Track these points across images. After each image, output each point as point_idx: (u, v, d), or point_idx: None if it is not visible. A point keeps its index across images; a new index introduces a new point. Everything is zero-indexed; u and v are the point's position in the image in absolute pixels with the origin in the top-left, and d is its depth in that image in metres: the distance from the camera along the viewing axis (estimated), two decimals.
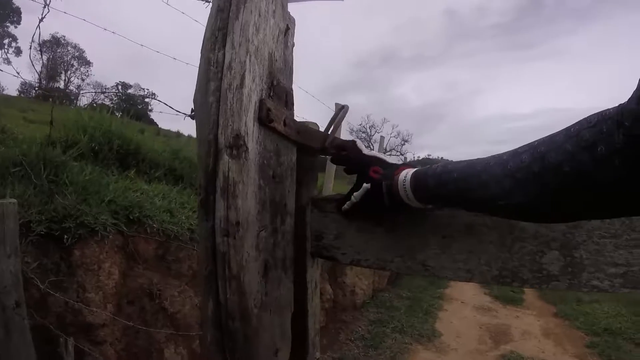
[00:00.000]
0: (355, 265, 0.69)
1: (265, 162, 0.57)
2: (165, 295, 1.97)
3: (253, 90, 0.53)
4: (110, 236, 1.82)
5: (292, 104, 0.65)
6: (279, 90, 0.59)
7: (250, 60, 0.52)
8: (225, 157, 0.51)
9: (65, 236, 1.64)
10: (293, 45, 0.66)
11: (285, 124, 0.59)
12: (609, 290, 0.51)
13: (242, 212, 0.52)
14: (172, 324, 1.98)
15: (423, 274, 0.62)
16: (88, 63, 37.61)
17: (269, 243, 0.59)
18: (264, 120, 0.54)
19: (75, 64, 36.99)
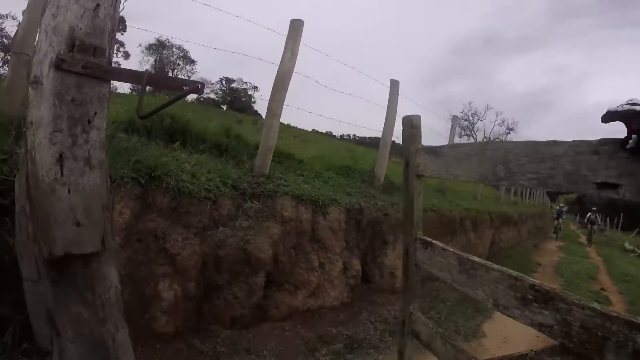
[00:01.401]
0: None
1: (62, 91, 0.97)
2: (169, 239, 2.52)
3: (49, 51, 0.96)
4: (128, 186, 2.42)
5: (103, 54, 1.03)
6: (83, 48, 0.99)
7: (47, 35, 0.95)
8: (30, 89, 0.92)
9: None
10: (111, 13, 1.04)
11: (85, 67, 0.98)
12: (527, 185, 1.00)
13: (35, 117, 0.93)
14: (171, 263, 2.51)
15: None
16: (193, 62, 41.13)
17: (66, 142, 0.99)
18: (59, 66, 0.94)
19: (180, 63, 41.50)
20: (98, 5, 1.01)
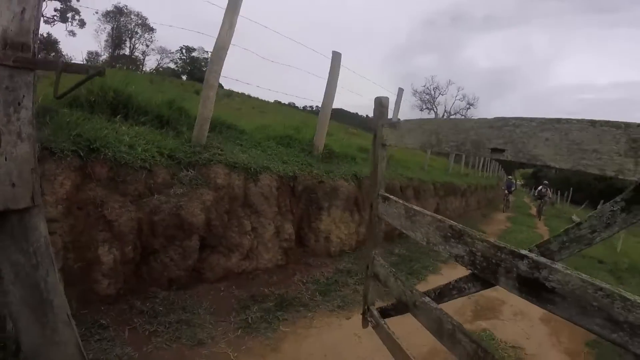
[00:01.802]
0: None
1: None
2: (107, 206, 2.76)
3: None
4: (68, 159, 2.63)
5: (28, 49, 1.29)
6: (13, 45, 1.24)
7: None
8: None
9: None
10: (35, 15, 1.28)
11: (15, 61, 1.23)
12: (449, 150, 1.38)
13: None
14: (110, 229, 2.77)
15: None
16: (151, 29, 39.67)
17: (2, 120, 1.25)
18: None
19: (139, 31, 39.59)
20: (24, 9, 1.24)
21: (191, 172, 3.24)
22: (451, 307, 3.90)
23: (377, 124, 2.35)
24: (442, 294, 1.68)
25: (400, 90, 7.38)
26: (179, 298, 3.00)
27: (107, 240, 2.75)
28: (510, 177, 21.02)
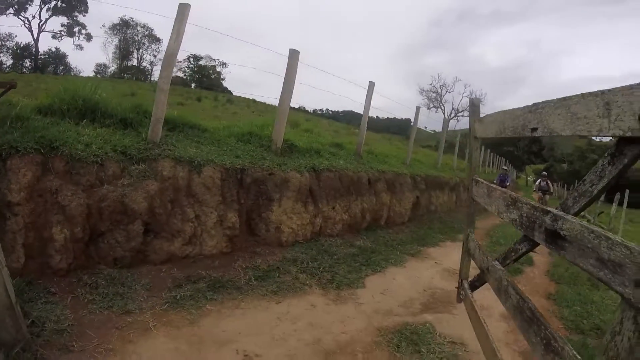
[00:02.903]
0: None
1: None
2: (61, 194, 3.39)
3: None
4: (31, 155, 3.30)
5: None
6: None
7: None
8: None
9: (2, 153, 3.17)
10: None
11: None
12: (510, 135, 1.99)
13: None
14: (63, 213, 3.39)
15: None
16: (158, 40, 42.52)
17: None
18: None
19: (146, 42, 42.22)
20: None
21: (141, 166, 3.80)
22: (398, 299, 4.01)
23: (471, 120, 2.91)
24: (505, 257, 2.13)
25: (371, 84, 7.42)
26: (121, 275, 3.52)
27: (60, 222, 3.37)
28: (505, 167, 16.56)
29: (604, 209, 15.79)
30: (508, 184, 13.54)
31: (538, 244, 1.64)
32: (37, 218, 3.32)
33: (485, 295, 4.47)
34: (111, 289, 3.34)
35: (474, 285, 2.84)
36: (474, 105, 2.95)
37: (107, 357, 2.59)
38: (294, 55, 5.40)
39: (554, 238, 1.35)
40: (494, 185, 2.31)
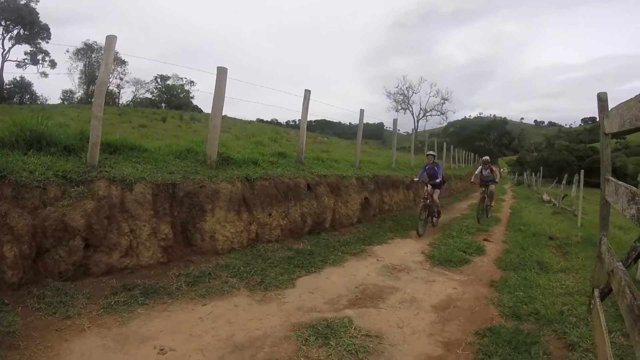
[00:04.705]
0: None
1: None
2: (9, 216, 4.12)
3: None
4: None
5: None
6: None
7: None
8: None
9: None
10: None
11: None
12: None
13: None
14: (12, 233, 4.12)
15: None
16: (123, 62, 43.66)
17: None
18: None
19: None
20: None
21: (80, 188, 4.54)
22: (325, 296, 4.68)
23: (600, 116, 2.95)
24: (627, 257, 2.36)
25: (307, 92, 8.13)
26: (65, 287, 4.26)
27: (10, 241, 4.10)
28: (431, 153, 10.02)
29: (566, 192, 17.04)
30: (439, 180, 9.19)
31: None
32: None
33: (415, 288, 5.21)
34: (56, 298, 4.07)
35: (604, 293, 2.75)
36: (602, 100, 2.87)
37: (46, 352, 3.31)
38: (221, 72, 6.11)
39: None
40: (620, 183, 2.30)
